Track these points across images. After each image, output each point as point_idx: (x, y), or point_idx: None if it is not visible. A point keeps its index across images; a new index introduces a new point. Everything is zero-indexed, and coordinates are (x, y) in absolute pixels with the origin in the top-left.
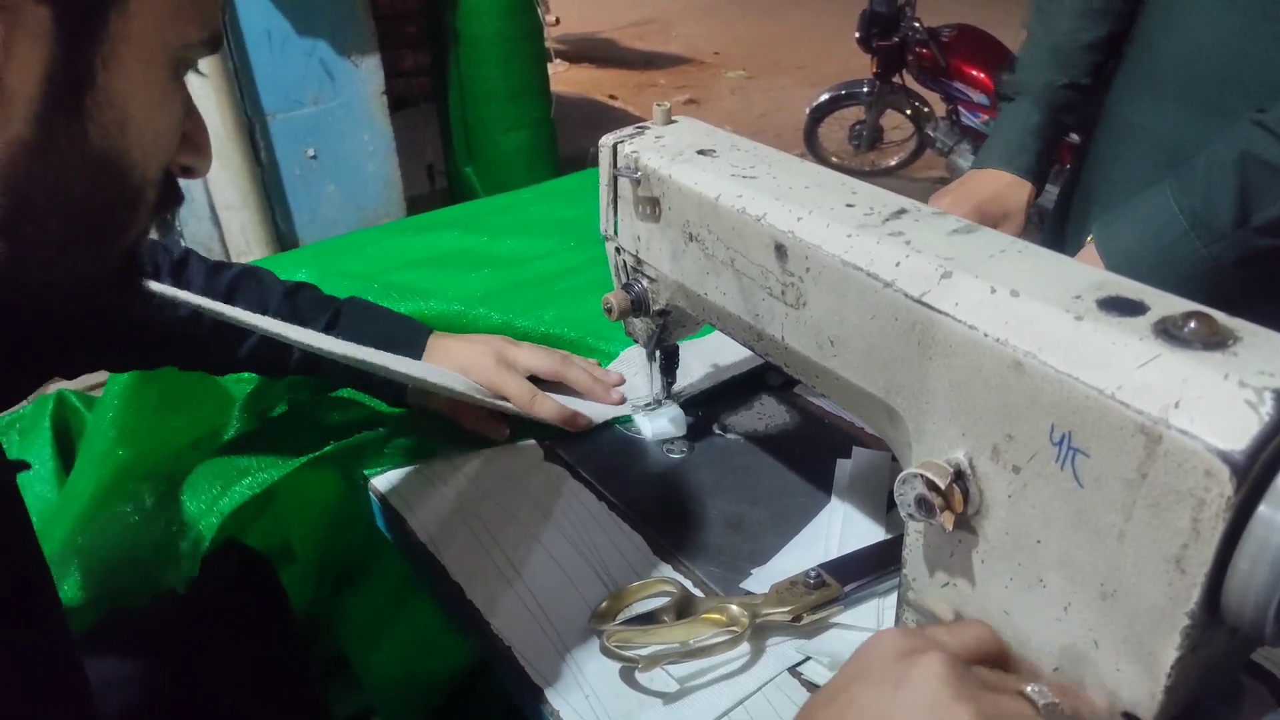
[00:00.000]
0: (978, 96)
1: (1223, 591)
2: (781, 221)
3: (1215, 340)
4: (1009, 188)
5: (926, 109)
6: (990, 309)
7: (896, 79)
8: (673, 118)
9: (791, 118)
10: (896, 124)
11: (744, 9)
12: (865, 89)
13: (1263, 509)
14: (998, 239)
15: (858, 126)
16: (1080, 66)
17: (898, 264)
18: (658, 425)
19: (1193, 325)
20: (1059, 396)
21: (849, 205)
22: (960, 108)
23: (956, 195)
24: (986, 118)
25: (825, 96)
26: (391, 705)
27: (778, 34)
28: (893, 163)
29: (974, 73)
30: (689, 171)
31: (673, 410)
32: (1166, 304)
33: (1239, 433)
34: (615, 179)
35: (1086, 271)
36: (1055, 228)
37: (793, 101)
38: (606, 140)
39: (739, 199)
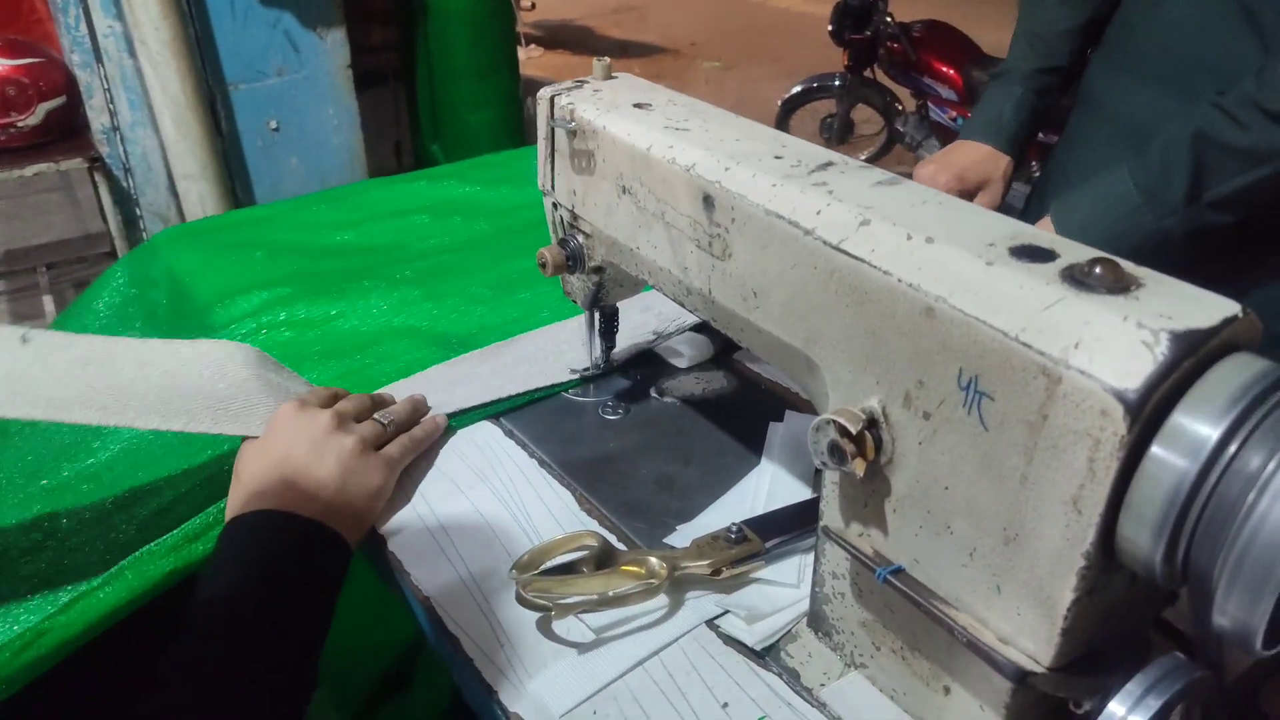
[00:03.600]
0: (947, 92)
1: (1116, 532)
2: (709, 172)
3: (1119, 285)
4: (988, 157)
5: (897, 104)
6: (905, 255)
7: (868, 73)
8: (613, 74)
9: (765, 109)
10: (867, 118)
11: (722, 0)
12: (837, 82)
13: (1155, 449)
14: (920, 191)
15: (829, 119)
16: (1059, 51)
17: (818, 212)
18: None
19: (1098, 271)
20: (967, 340)
21: (777, 157)
22: (929, 103)
23: (940, 162)
24: (955, 114)
25: (797, 89)
26: (338, 676)
27: (754, 25)
28: (863, 156)
29: (943, 69)
30: (623, 124)
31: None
32: (1076, 252)
33: (1134, 373)
34: (552, 132)
35: (1004, 222)
36: (1022, 215)
37: (766, 93)
38: (544, 93)
39: (670, 150)
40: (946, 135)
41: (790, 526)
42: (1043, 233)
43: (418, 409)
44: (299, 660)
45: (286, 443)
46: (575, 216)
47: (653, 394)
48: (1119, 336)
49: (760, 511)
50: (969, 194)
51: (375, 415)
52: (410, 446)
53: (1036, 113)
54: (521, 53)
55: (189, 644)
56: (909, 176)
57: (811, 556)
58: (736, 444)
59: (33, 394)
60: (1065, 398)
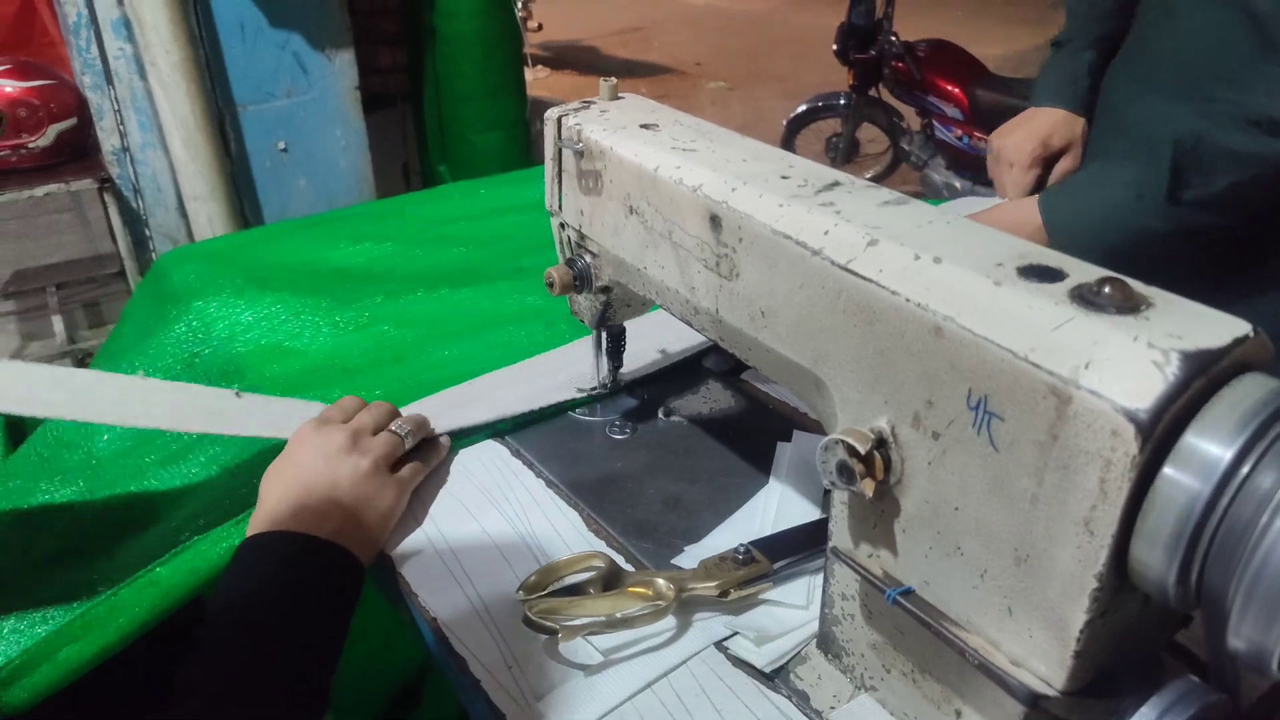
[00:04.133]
0: (951, 111)
1: (1129, 554)
2: (716, 192)
3: (1128, 305)
4: (1066, 121)
5: (902, 122)
6: (914, 275)
7: (873, 92)
8: (619, 94)
9: (771, 129)
10: (873, 137)
11: (727, 20)
12: (842, 101)
13: (1167, 469)
14: (927, 211)
15: (834, 139)
16: (1115, 15)
17: (826, 232)
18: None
19: (1107, 290)
20: (976, 360)
21: (784, 177)
22: (935, 122)
23: (1023, 131)
24: (960, 132)
25: (802, 108)
26: (346, 699)
27: (759, 45)
28: (869, 176)
29: (948, 87)
30: (630, 144)
31: None
32: (1084, 272)
33: (1145, 393)
34: (560, 152)
35: (1012, 242)
36: None
37: (772, 113)
38: (551, 114)
39: (677, 170)
40: (952, 154)
41: (799, 547)
42: (1051, 252)
43: (424, 426)
44: (314, 677)
45: (302, 462)
46: (582, 236)
47: (660, 414)
48: (1129, 356)
49: (768, 532)
50: (1053, 159)
51: (391, 426)
52: (420, 468)
53: (1101, 76)
54: (528, 73)
55: (206, 657)
56: (915, 195)
57: (820, 578)
58: (744, 464)
59: (240, 427)
60: (1076, 418)
